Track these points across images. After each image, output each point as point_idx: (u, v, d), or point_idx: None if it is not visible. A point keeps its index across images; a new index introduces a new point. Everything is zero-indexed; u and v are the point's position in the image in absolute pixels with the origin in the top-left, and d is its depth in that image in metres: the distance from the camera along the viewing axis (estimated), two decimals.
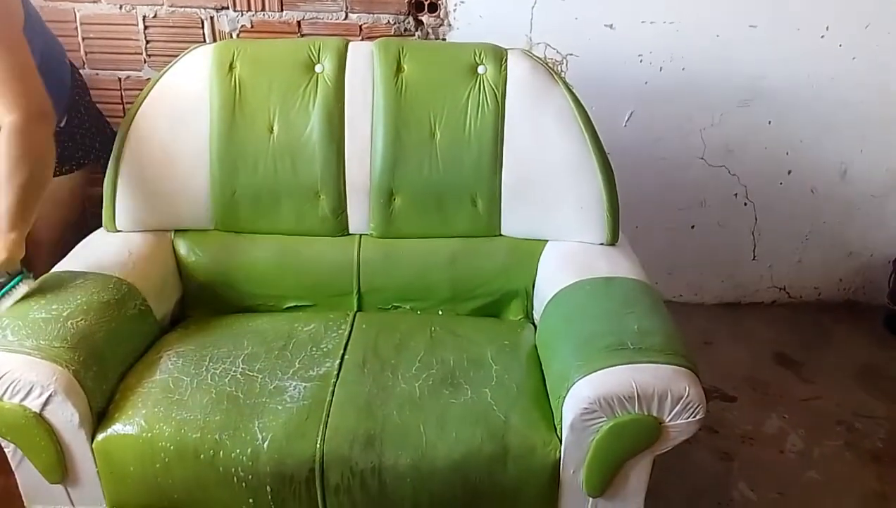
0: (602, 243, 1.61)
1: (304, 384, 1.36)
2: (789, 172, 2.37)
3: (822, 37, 2.17)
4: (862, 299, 2.59)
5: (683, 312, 2.45)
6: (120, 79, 2.13)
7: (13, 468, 1.32)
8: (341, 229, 1.67)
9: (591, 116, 1.59)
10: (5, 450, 1.30)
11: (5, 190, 1.34)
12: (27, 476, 1.32)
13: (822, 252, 2.50)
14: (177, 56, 1.63)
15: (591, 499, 1.30)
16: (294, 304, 1.68)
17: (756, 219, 2.44)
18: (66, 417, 1.24)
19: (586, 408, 1.21)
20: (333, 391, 1.35)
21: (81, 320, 1.32)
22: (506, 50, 1.62)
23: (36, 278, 1.41)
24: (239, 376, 1.38)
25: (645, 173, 2.31)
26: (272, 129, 1.59)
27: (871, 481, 1.81)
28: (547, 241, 1.65)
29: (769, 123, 2.29)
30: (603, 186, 1.57)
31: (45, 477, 1.30)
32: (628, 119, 2.25)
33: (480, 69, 1.60)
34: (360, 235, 1.68)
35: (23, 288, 1.34)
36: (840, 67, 2.21)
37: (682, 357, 1.25)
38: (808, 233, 2.47)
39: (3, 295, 1.32)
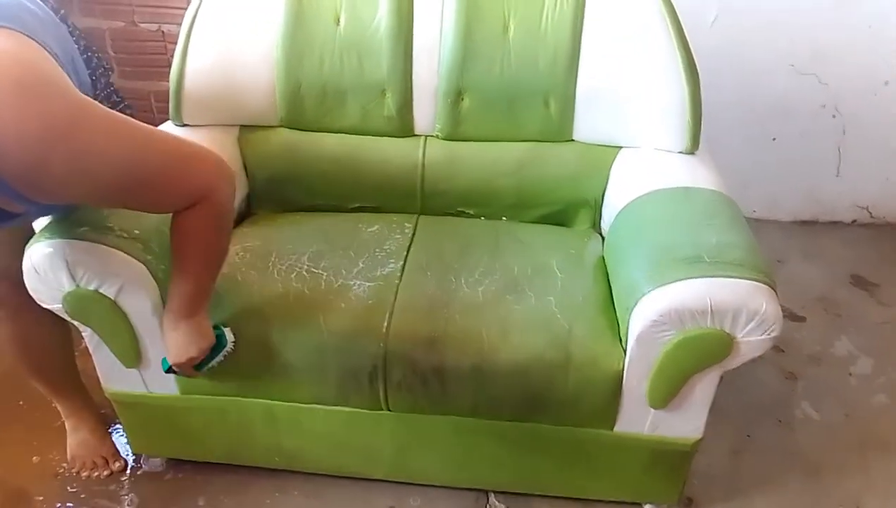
0: (681, 152, 1.52)
1: (368, 284, 1.36)
2: (886, 83, 2.19)
3: None
4: None
5: (756, 228, 2.32)
6: None
7: (90, 350, 1.38)
8: (406, 129, 1.62)
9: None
10: (83, 334, 1.35)
11: (200, 273, 1.20)
12: (104, 359, 1.38)
13: None
14: None
15: (652, 411, 1.29)
16: (358, 205, 1.66)
17: (844, 132, 2.28)
18: (140, 305, 1.28)
19: (656, 320, 1.17)
20: (397, 292, 1.35)
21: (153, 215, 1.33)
22: None
23: None
24: (304, 272, 1.39)
25: (727, 79, 2.17)
26: (338, 21, 1.53)
27: None
28: (621, 148, 1.57)
29: (869, 27, 2.10)
30: (687, 88, 1.46)
31: (121, 361, 1.36)
32: (714, 20, 2.10)
33: None
34: (426, 136, 1.63)
35: (229, 335, 1.28)
36: None
37: (760, 273, 1.19)
38: None
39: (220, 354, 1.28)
